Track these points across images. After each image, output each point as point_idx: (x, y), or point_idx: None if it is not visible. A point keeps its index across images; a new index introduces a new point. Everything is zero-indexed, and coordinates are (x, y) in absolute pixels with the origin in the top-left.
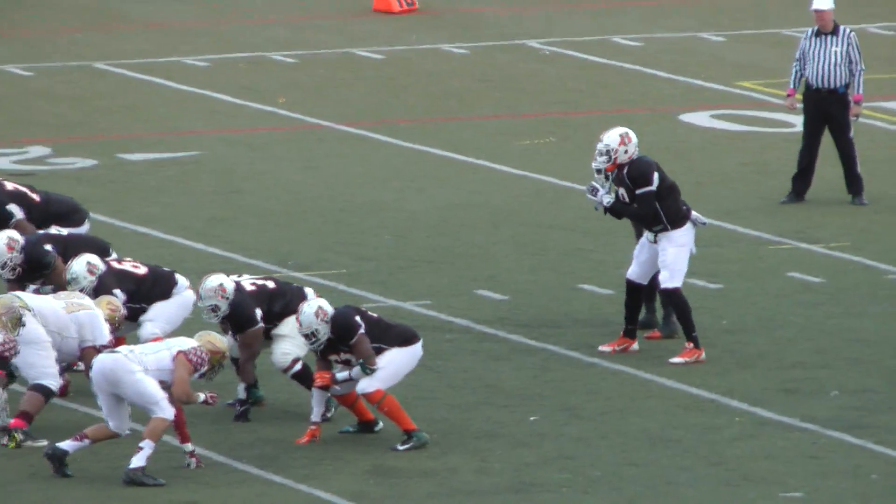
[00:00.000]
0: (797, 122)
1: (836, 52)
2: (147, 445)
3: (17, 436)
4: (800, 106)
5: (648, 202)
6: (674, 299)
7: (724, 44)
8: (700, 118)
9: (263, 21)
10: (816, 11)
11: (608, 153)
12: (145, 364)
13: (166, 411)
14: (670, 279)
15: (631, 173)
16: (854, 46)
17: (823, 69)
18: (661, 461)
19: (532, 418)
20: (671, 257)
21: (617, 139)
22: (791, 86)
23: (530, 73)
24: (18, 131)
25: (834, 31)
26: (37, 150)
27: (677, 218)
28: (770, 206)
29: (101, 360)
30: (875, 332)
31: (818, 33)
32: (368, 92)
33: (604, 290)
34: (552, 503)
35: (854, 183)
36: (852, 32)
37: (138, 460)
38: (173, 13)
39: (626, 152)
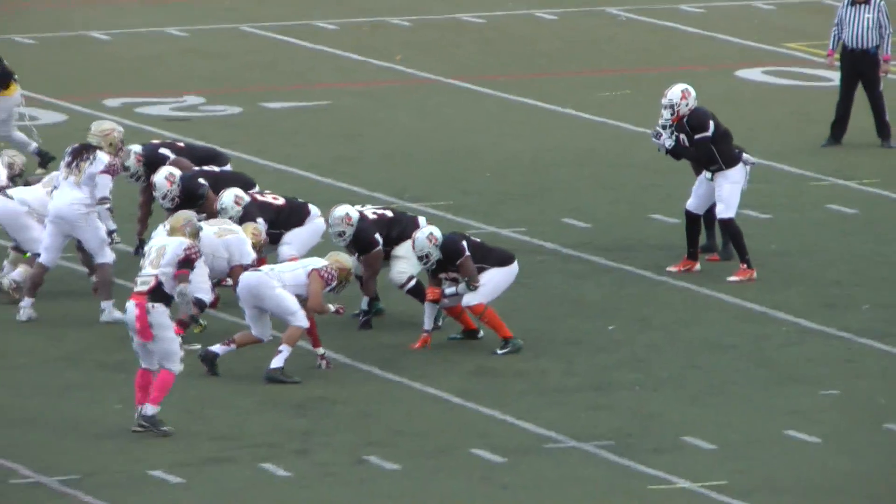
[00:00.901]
0: (835, 77)
1: (868, 19)
2: (285, 349)
3: (203, 322)
4: (837, 64)
5: (705, 147)
6: (729, 228)
7: (775, 11)
8: (753, 74)
9: None
10: None
11: (672, 107)
12: (283, 280)
13: (301, 321)
14: (726, 210)
15: (690, 122)
16: (884, 13)
17: (858, 33)
18: (719, 364)
19: (610, 328)
20: (726, 192)
21: (679, 94)
22: (830, 47)
23: (609, 36)
24: (175, 83)
25: (867, 1)
26: (191, 100)
27: (730, 159)
28: (812, 149)
29: (247, 278)
30: None
31: (853, 2)
32: (472, 51)
33: (671, 220)
34: (626, 400)
35: (883, 129)
36: (882, 2)
37: (277, 361)
38: None
39: (687, 105)
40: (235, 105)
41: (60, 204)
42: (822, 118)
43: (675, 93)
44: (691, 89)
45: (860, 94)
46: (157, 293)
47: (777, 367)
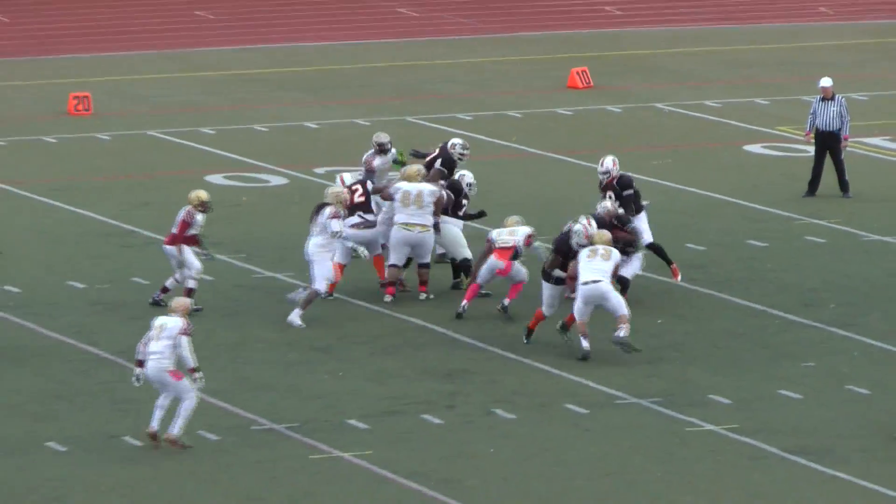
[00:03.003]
0: (811, 150)
1: (833, 110)
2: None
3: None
4: (812, 141)
5: (630, 198)
6: (653, 247)
7: (770, 105)
8: (755, 149)
9: None
10: (822, 87)
11: (608, 172)
12: None
13: None
14: (648, 237)
15: (620, 182)
16: (844, 107)
17: (826, 120)
18: (733, 346)
19: (659, 321)
20: (643, 227)
21: (611, 163)
22: (808, 129)
23: (656, 123)
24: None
25: (832, 98)
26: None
27: (639, 207)
28: (796, 199)
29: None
30: (857, 273)
31: (823, 99)
32: (564, 134)
33: (698, 247)
34: (670, 370)
35: (844, 185)
36: (843, 98)
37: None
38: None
39: (617, 171)
40: None
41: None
42: (802, 178)
43: (608, 162)
44: (616, 159)
45: (828, 161)
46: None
47: (773, 347)
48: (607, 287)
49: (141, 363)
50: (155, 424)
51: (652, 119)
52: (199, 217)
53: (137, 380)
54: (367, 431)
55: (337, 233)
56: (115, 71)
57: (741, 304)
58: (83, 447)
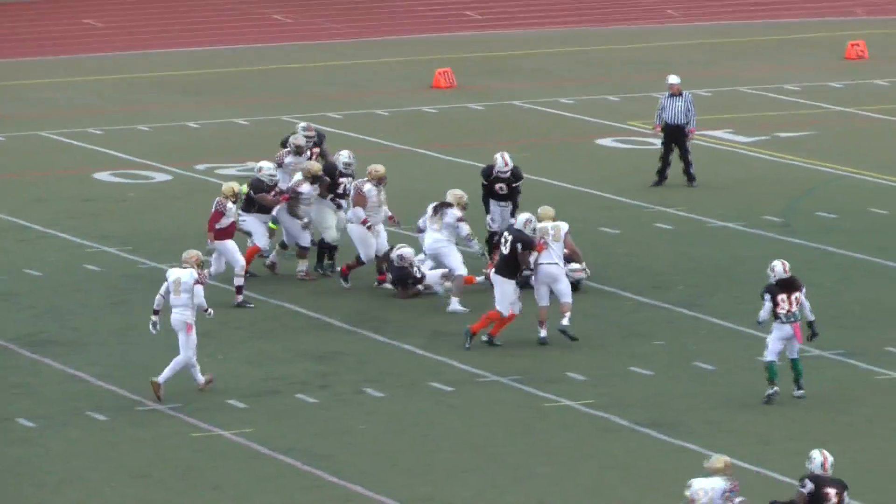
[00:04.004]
0: (659, 143)
1: (679, 105)
2: None
3: None
4: (660, 134)
5: (518, 190)
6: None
7: (620, 102)
8: (607, 142)
9: None
10: (670, 84)
11: (512, 168)
12: None
13: None
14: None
15: (515, 173)
16: (690, 102)
17: (673, 114)
18: (586, 327)
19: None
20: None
21: (510, 159)
22: (656, 123)
23: (516, 120)
24: (243, 154)
25: (679, 94)
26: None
27: None
28: (645, 188)
29: None
30: (702, 256)
31: (671, 95)
32: (430, 130)
33: None
34: (529, 349)
35: (689, 176)
36: (689, 94)
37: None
38: None
39: (513, 164)
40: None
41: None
42: (650, 169)
43: (509, 158)
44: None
45: (675, 153)
46: None
47: (625, 326)
48: (559, 270)
49: (157, 312)
50: (200, 378)
51: (511, 116)
52: (231, 206)
53: (154, 326)
54: (246, 410)
55: (469, 236)
56: (8, 76)
57: (595, 286)
58: None
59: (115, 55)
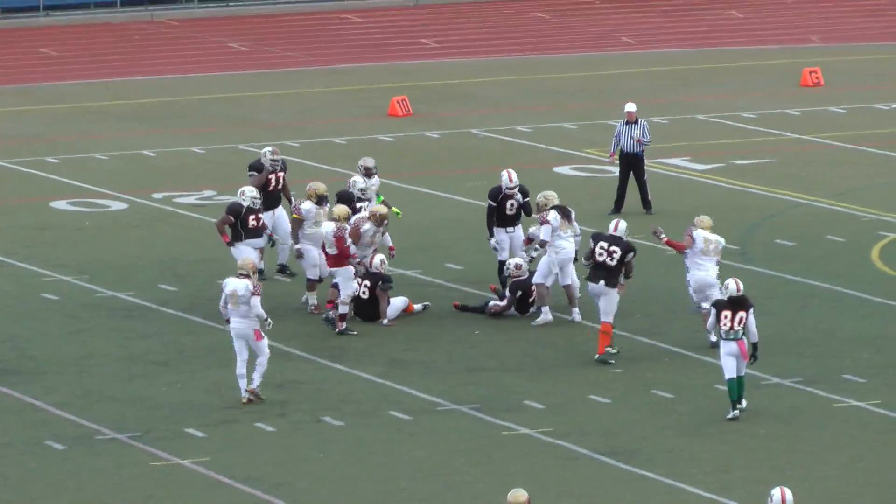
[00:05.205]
0: (615, 170)
1: (636, 133)
2: None
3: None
4: (617, 161)
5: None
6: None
7: (578, 129)
8: (564, 170)
9: None
10: (627, 112)
11: (519, 185)
12: None
13: None
14: None
15: (523, 191)
16: (646, 129)
17: (630, 142)
18: (546, 355)
19: (476, 332)
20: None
21: (514, 175)
22: (612, 150)
23: (471, 146)
24: (197, 181)
25: (636, 121)
26: (207, 192)
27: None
28: (602, 216)
29: None
30: (659, 285)
31: (627, 122)
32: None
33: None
34: (487, 378)
35: (646, 203)
36: (645, 122)
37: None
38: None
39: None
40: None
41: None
42: (608, 196)
43: (514, 175)
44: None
45: (632, 181)
46: None
47: (582, 355)
48: (715, 281)
49: (229, 321)
50: (244, 390)
51: (467, 143)
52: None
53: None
54: (205, 439)
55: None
56: None
57: (554, 315)
58: None
59: (71, 84)
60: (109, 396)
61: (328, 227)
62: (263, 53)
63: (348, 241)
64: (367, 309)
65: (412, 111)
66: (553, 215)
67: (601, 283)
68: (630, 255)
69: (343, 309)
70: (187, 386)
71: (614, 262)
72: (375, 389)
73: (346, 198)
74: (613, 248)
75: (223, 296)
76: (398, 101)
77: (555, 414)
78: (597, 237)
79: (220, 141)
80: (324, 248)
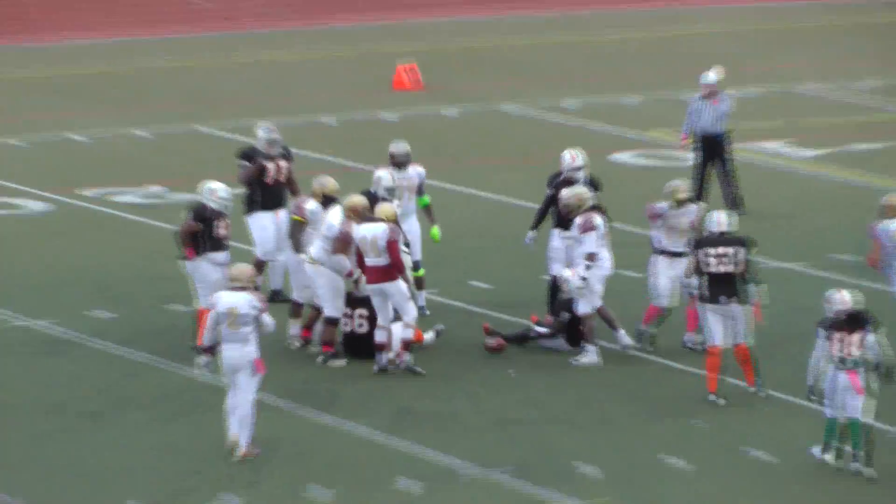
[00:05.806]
0: (690, 158)
1: (718, 110)
2: None
3: None
4: (693, 147)
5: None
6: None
7: (643, 106)
8: (623, 158)
9: None
10: (706, 84)
11: (586, 165)
12: None
13: None
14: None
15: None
16: (731, 105)
17: (711, 121)
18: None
19: (510, 371)
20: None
21: (578, 155)
22: (685, 132)
23: (502, 129)
24: (141, 176)
25: (717, 95)
26: (154, 189)
27: None
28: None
29: None
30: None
31: (706, 96)
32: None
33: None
34: (524, 433)
35: (734, 199)
36: (729, 95)
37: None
38: None
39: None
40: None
41: None
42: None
43: (579, 155)
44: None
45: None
46: None
47: (656, 401)
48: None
49: (211, 349)
50: (235, 431)
51: (495, 124)
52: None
53: (207, 366)
54: None
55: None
56: None
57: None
58: None
59: None
60: (19, 461)
61: (373, 230)
62: (232, 9)
63: (401, 245)
64: (361, 344)
65: (423, 83)
66: (600, 220)
67: (724, 298)
68: (747, 253)
69: (408, 334)
70: (130, 447)
71: (736, 268)
72: (377, 450)
73: (371, 201)
74: (726, 249)
75: (212, 315)
76: (405, 70)
77: (616, 483)
78: (699, 244)
79: (172, 122)
80: (360, 257)
